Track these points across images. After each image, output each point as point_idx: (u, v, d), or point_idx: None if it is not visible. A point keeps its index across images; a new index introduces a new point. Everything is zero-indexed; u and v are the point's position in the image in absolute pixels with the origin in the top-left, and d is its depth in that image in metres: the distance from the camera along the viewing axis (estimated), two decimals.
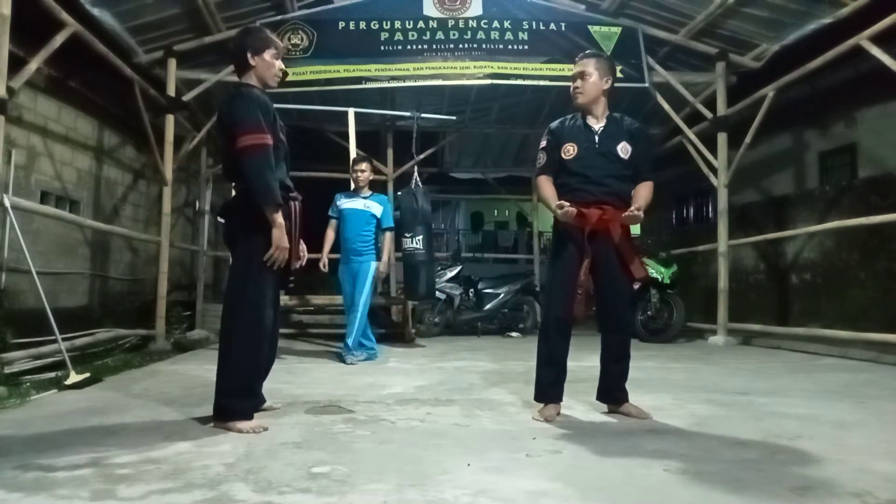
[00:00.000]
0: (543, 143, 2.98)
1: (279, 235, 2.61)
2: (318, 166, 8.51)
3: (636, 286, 2.85)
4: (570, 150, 2.88)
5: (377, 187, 6.42)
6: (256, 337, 2.66)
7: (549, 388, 2.87)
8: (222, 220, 2.95)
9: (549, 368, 2.87)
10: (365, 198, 5.39)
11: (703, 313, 7.77)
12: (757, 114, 6.54)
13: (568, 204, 2.73)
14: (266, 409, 2.90)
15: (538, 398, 2.91)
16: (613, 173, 2.84)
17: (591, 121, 2.93)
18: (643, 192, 2.87)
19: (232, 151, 2.62)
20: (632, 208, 2.73)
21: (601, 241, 2.79)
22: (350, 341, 5.14)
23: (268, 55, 2.72)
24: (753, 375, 4.46)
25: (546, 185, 2.92)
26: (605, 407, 3.04)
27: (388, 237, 5.49)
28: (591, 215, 2.77)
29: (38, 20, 4.56)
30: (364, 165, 5.44)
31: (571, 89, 2.95)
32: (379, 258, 5.37)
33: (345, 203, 5.38)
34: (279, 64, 2.78)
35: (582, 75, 2.90)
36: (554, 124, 3.02)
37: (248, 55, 2.69)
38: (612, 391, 2.96)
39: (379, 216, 5.38)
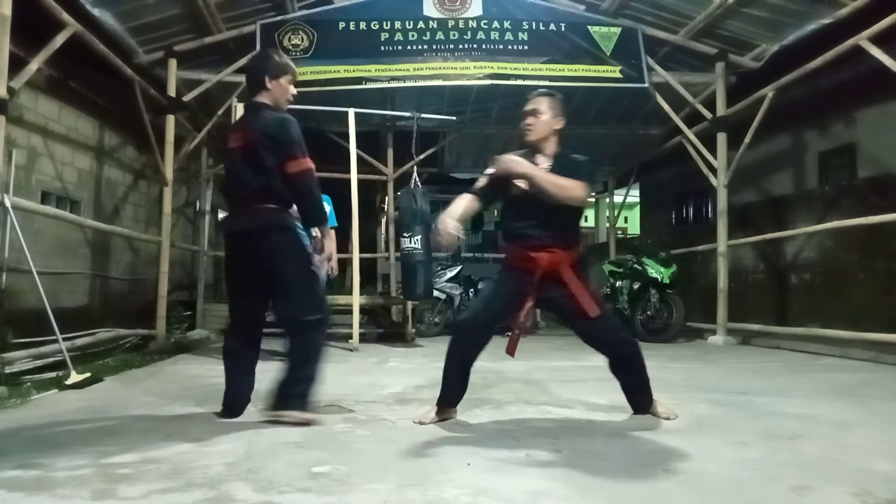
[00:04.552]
0: (491, 171, 2.86)
1: (332, 247, 3.05)
2: (318, 166, 8.43)
3: (601, 313, 2.77)
4: (521, 185, 2.78)
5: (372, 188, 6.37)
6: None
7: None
8: (246, 233, 2.78)
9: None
10: None
11: (703, 313, 7.77)
12: (756, 114, 6.54)
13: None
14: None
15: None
16: (556, 215, 2.74)
17: (539, 159, 2.82)
18: (558, 177, 2.69)
19: (284, 172, 2.75)
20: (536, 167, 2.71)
21: (552, 284, 2.72)
22: None
23: (284, 80, 2.85)
24: (753, 375, 4.46)
25: (461, 200, 2.83)
26: (603, 407, 3.05)
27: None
28: (541, 260, 2.71)
29: (38, 20, 4.56)
30: None
31: (522, 126, 2.87)
32: None
33: None
34: (293, 89, 2.91)
35: (534, 112, 2.83)
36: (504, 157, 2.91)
37: (266, 78, 2.80)
38: (629, 398, 2.93)
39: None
